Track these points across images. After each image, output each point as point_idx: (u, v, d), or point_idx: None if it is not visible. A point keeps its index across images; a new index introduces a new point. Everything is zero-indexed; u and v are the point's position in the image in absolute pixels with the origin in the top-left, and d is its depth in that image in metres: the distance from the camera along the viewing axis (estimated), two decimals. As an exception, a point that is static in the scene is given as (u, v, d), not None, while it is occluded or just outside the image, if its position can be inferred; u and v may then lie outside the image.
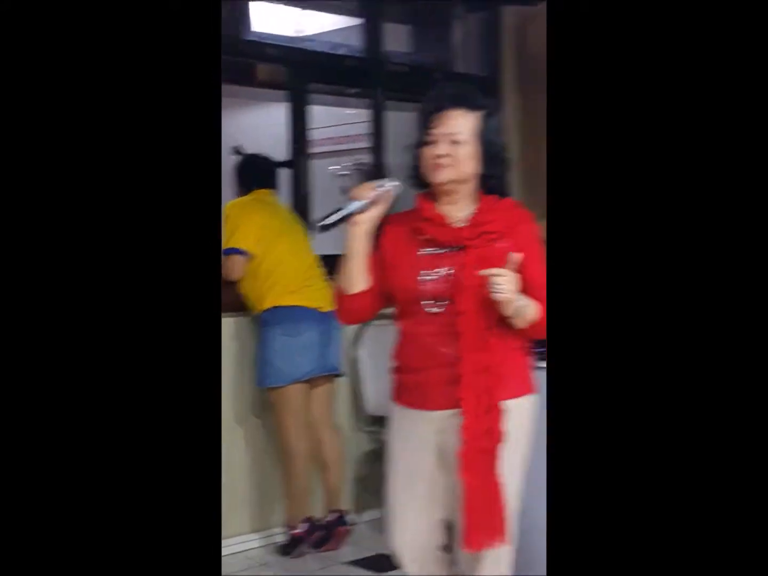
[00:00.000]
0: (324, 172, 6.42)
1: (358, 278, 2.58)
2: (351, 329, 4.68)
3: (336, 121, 6.51)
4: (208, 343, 1.87)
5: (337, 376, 4.41)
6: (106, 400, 1.79)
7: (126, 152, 1.81)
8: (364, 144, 5.48)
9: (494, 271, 2.41)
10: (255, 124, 6.06)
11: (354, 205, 2.48)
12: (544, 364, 3.47)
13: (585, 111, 1.86)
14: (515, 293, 2.42)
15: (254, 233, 4.18)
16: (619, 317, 1.84)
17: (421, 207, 2.61)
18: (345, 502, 4.55)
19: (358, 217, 2.51)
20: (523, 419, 2.61)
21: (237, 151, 4.47)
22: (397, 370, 2.67)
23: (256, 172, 4.42)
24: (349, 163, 6.71)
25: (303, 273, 4.26)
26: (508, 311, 2.45)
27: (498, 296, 2.41)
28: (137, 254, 1.81)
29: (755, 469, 1.77)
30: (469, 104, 2.56)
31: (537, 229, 2.60)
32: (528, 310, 2.48)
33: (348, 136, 6.65)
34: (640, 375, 1.82)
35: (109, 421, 1.79)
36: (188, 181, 1.85)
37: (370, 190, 2.48)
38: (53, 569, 1.76)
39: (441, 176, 2.54)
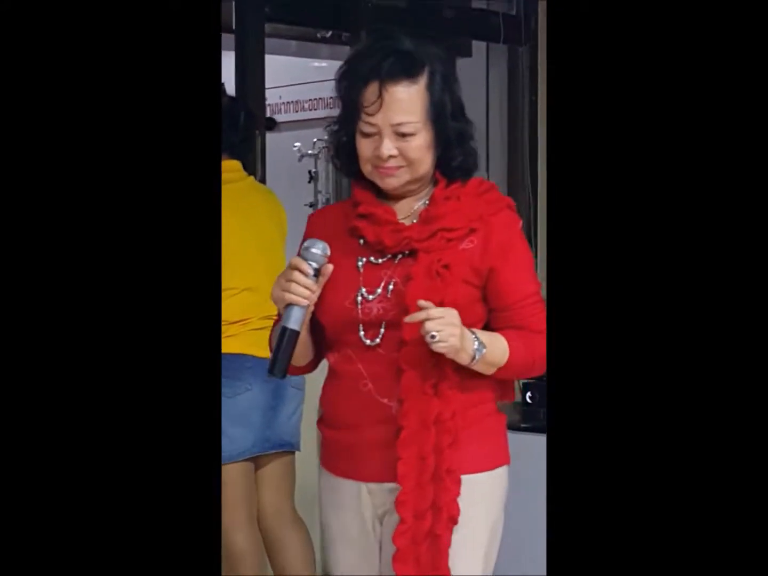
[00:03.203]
0: (287, 150, 6.24)
1: (306, 354, 2.48)
2: (317, 383, 3.76)
3: (303, 78, 6.48)
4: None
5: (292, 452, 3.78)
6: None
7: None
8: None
9: (423, 312, 2.20)
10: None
11: (294, 317, 2.28)
12: (527, 424, 3.76)
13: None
14: (460, 337, 2.23)
15: None
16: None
17: (357, 198, 2.37)
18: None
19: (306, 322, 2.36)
20: (487, 498, 2.39)
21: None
22: (322, 422, 2.47)
23: (234, 130, 3.64)
24: (322, 138, 5.96)
25: (256, 305, 3.51)
26: (462, 361, 2.25)
27: (437, 347, 2.21)
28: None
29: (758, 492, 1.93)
30: (413, 70, 2.27)
31: (516, 221, 2.44)
32: (491, 353, 2.28)
33: (319, 99, 6.53)
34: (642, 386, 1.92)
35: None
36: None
37: (304, 282, 2.27)
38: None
39: (391, 184, 2.33)
